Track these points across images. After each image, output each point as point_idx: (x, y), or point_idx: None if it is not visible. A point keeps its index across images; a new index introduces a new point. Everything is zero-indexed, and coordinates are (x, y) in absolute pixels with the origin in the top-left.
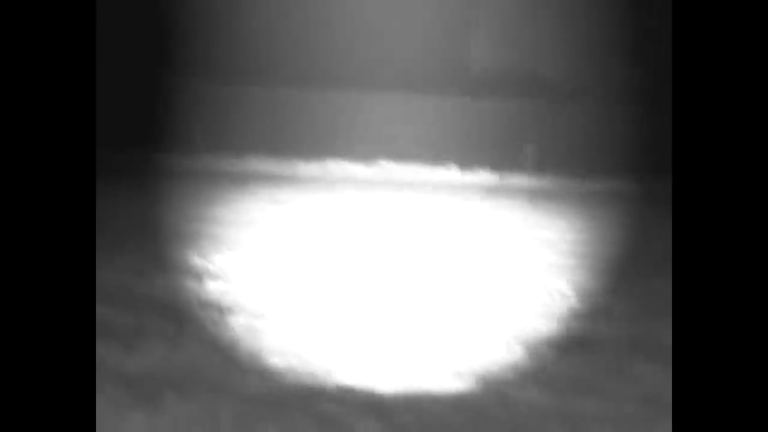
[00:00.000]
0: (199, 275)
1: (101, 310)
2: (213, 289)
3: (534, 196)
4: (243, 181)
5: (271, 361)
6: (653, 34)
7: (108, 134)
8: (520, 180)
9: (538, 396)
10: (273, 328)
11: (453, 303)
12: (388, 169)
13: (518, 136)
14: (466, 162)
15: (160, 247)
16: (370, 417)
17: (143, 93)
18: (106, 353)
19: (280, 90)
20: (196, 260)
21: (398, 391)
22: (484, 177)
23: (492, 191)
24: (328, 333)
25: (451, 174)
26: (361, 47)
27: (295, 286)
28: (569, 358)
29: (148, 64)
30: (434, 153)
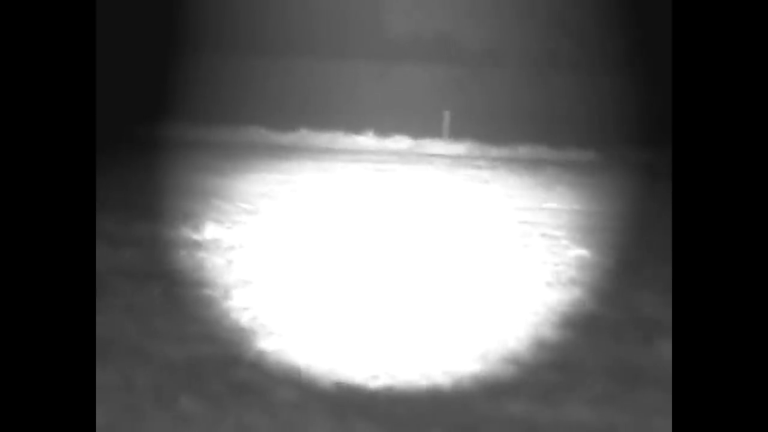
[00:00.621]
0: (116, 242)
1: None
2: (130, 255)
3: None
4: (171, 147)
5: (189, 329)
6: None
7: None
8: (437, 146)
9: (459, 366)
10: (194, 296)
11: (387, 276)
12: (306, 136)
13: (435, 102)
14: (383, 129)
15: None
16: (287, 384)
17: (140, 65)
18: None
19: (192, 57)
20: (114, 227)
21: (316, 359)
22: (402, 143)
23: (409, 157)
24: (249, 301)
25: (369, 141)
26: (275, 13)
27: (225, 254)
28: (489, 328)
29: (146, 38)
30: (351, 119)
